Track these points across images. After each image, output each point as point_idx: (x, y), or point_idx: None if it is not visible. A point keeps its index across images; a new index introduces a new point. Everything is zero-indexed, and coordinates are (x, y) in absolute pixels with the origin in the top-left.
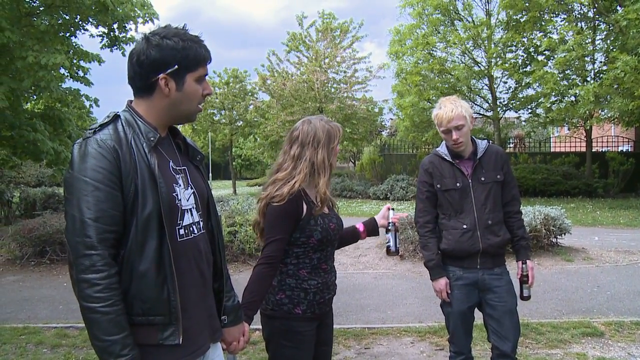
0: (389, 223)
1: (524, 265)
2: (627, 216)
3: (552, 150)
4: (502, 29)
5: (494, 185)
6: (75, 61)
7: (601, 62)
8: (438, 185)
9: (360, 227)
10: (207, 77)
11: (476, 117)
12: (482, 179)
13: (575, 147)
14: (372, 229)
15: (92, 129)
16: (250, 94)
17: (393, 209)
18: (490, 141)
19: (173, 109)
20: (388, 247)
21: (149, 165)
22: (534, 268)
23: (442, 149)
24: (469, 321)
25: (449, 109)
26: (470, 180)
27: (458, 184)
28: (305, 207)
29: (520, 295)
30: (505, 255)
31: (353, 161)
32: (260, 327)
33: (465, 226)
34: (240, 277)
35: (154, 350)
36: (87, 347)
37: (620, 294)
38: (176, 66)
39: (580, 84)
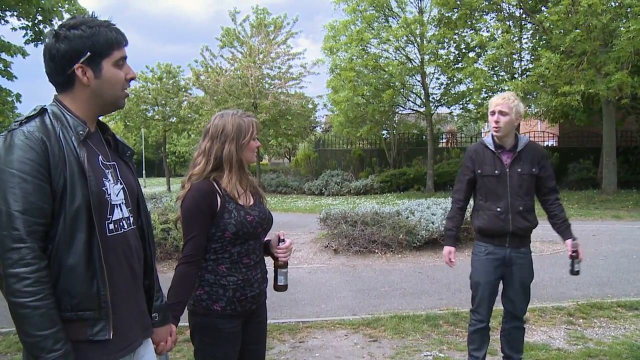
0: (276, 258)
1: (574, 242)
2: None
3: None
4: (434, 26)
5: (529, 177)
6: None
7: (528, 59)
8: (479, 171)
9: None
10: (129, 62)
11: (409, 113)
12: (519, 170)
13: None
14: (266, 249)
15: (17, 121)
16: (183, 89)
17: (283, 240)
18: (531, 138)
19: (97, 97)
20: (275, 281)
21: (78, 158)
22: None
23: (488, 139)
24: (494, 293)
25: (501, 96)
26: (507, 170)
27: (496, 171)
28: (219, 200)
29: (571, 271)
30: (530, 237)
31: (288, 157)
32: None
33: (499, 209)
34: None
35: (84, 346)
36: (12, 352)
37: (544, 281)
38: (88, 53)
39: (508, 80)
